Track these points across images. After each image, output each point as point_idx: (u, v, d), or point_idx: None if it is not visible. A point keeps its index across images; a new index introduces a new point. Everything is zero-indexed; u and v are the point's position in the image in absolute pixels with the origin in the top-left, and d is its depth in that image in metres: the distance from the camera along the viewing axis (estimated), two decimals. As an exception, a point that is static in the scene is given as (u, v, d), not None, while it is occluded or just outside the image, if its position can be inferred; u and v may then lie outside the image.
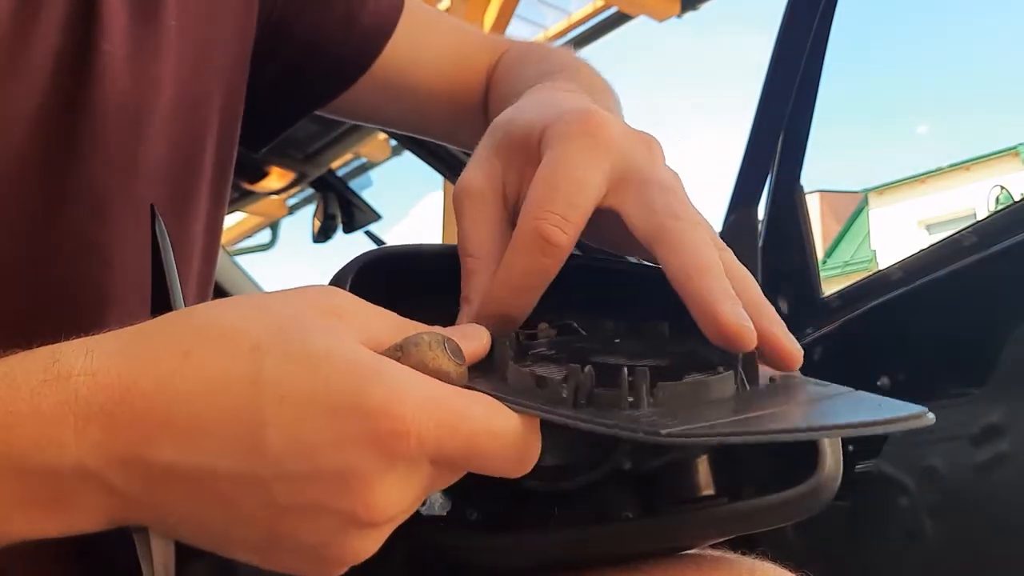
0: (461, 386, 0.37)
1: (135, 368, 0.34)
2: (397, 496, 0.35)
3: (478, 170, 0.46)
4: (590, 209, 0.42)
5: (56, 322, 0.52)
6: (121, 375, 0.34)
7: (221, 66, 0.60)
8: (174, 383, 0.34)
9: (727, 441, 0.35)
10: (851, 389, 0.39)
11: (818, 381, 0.40)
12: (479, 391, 0.37)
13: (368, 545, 0.36)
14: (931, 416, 0.35)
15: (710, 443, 0.36)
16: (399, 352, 0.37)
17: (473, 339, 0.40)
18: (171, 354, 0.34)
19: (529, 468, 0.37)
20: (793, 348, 0.41)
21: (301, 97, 0.69)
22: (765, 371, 0.41)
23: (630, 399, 0.36)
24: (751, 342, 0.39)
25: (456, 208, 0.46)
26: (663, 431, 0.34)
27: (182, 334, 0.35)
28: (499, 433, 0.36)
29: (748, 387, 0.39)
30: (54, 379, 0.34)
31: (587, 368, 0.37)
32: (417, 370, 0.36)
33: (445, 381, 0.36)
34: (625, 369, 0.36)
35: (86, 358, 0.34)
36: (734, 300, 0.40)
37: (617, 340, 0.46)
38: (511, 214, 0.45)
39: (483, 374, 0.40)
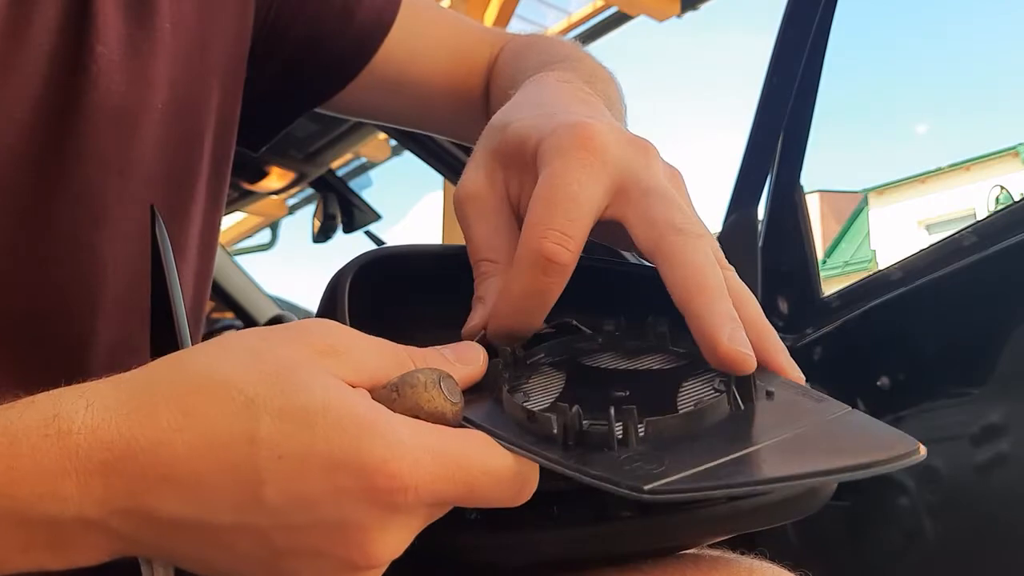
0: (456, 425, 0.38)
1: (135, 424, 0.34)
2: (395, 543, 0.36)
3: (478, 173, 0.46)
4: (590, 224, 0.42)
5: (50, 323, 0.52)
6: (121, 431, 0.34)
7: (217, 66, 0.60)
8: (173, 440, 0.34)
9: (713, 495, 0.35)
10: (847, 408, 0.38)
11: (816, 394, 0.40)
12: (475, 426, 0.38)
13: None
14: (923, 451, 0.35)
15: (695, 498, 0.36)
16: (395, 393, 0.37)
17: (469, 363, 0.41)
18: (170, 411, 0.35)
19: (527, 498, 0.38)
20: (794, 373, 0.41)
21: (300, 94, 0.69)
22: (762, 381, 0.40)
23: (619, 436, 0.36)
24: (750, 368, 0.39)
25: (459, 213, 0.46)
26: (646, 487, 0.34)
27: (180, 389, 0.35)
28: (495, 473, 0.37)
29: (743, 406, 0.39)
30: (55, 435, 0.34)
31: (575, 408, 0.37)
32: (412, 412, 0.37)
33: (440, 422, 0.37)
34: (612, 409, 0.37)
35: (86, 412, 0.35)
36: (734, 322, 0.39)
37: (616, 337, 0.46)
38: (516, 216, 0.45)
39: (478, 394, 0.41)
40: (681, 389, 0.40)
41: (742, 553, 0.51)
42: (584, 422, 0.37)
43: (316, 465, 0.34)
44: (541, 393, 0.41)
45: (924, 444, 0.35)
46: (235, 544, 0.35)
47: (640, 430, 0.36)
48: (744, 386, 0.39)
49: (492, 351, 0.43)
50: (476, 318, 0.44)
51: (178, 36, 0.57)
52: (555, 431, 0.37)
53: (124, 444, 0.34)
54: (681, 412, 0.38)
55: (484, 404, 0.40)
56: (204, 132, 0.59)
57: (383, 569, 0.37)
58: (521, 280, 0.41)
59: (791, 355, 0.50)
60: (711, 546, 0.51)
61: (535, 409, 0.39)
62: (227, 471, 0.34)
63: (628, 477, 0.34)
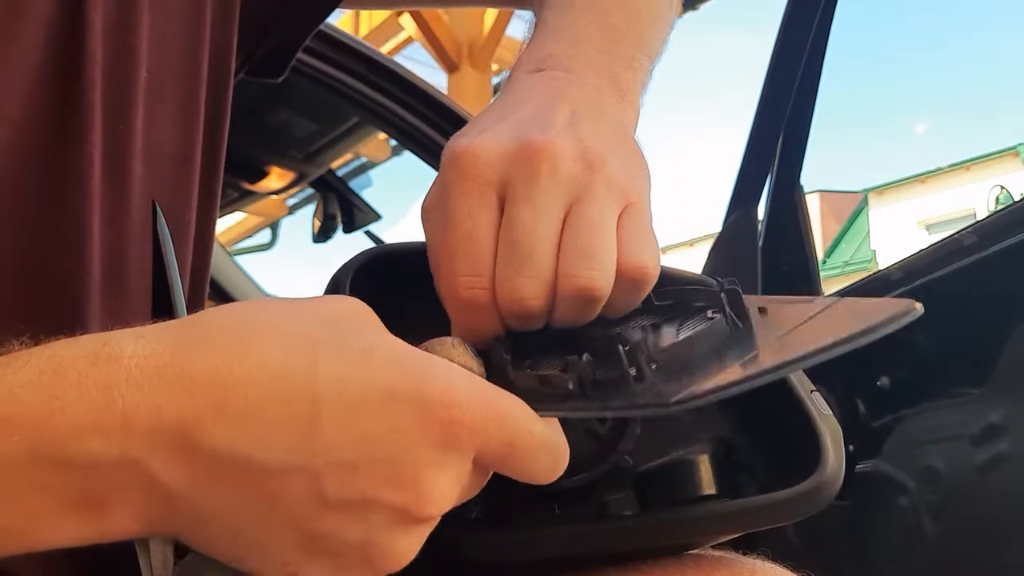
0: None
1: (191, 351, 0.34)
2: (447, 490, 0.35)
3: (436, 190, 0.45)
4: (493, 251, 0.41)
5: (49, 305, 0.51)
6: (176, 358, 0.33)
7: (207, 25, 0.59)
8: (232, 367, 0.33)
9: (733, 391, 0.35)
10: (835, 299, 0.39)
11: (805, 298, 0.41)
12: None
13: (412, 545, 0.36)
14: (919, 307, 0.35)
15: (719, 398, 0.37)
16: (426, 351, 0.38)
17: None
18: (228, 341, 0.34)
19: (558, 474, 0.38)
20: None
21: (308, 6, 0.68)
22: (753, 301, 0.41)
23: (633, 373, 0.37)
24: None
25: (423, 228, 0.46)
26: (671, 399, 0.35)
27: (238, 326, 0.35)
28: (536, 434, 0.37)
29: (741, 324, 0.40)
30: (104, 361, 0.33)
31: (584, 357, 0.37)
32: None
33: None
34: (620, 347, 0.37)
35: (136, 342, 0.34)
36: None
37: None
38: None
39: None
40: (680, 330, 0.41)
41: (744, 554, 0.51)
42: (597, 372, 0.38)
43: (375, 397, 0.34)
44: (545, 365, 0.41)
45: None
46: (279, 494, 0.33)
47: (652, 365, 0.37)
48: (737, 305, 0.40)
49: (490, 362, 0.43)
50: None
51: (156, 4, 0.55)
52: (571, 386, 0.38)
53: (178, 369, 0.33)
54: (684, 338, 0.39)
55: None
56: (197, 96, 0.58)
57: (432, 524, 0.36)
58: (459, 322, 0.42)
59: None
60: (712, 546, 0.51)
61: (546, 372, 0.39)
62: (284, 402, 0.33)
63: (649, 399, 0.36)
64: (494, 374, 0.40)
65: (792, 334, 0.38)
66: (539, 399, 0.38)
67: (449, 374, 0.36)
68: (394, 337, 0.37)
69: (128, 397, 0.32)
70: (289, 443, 0.33)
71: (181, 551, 0.37)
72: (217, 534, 0.35)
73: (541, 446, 0.37)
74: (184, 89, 0.58)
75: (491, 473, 0.38)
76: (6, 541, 0.33)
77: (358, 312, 0.37)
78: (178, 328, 0.35)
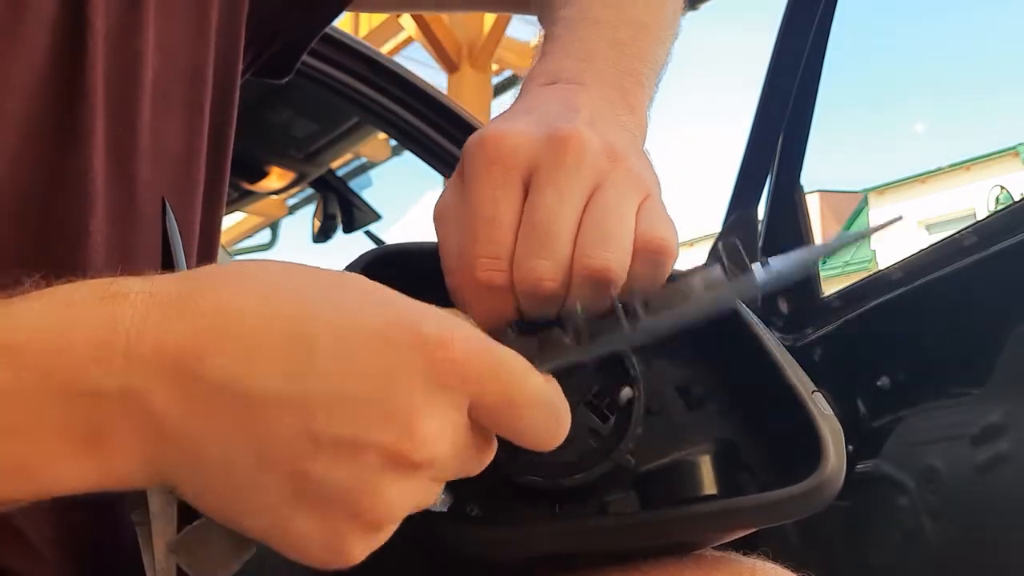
0: None
1: (194, 287, 0.35)
2: (437, 433, 0.35)
3: (450, 192, 0.46)
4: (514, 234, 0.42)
5: None
6: (180, 292, 0.35)
7: (212, 29, 0.59)
8: (232, 306, 0.34)
9: (708, 309, 0.38)
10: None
11: (812, 247, 0.43)
12: None
13: (402, 497, 0.35)
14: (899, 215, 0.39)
15: (696, 316, 0.39)
16: None
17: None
18: (231, 283, 0.35)
19: (560, 440, 0.38)
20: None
21: (315, 8, 0.68)
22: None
23: (626, 319, 0.38)
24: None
25: (436, 230, 0.46)
26: (647, 321, 0.37)
27: (240, 270, 0.37)
28: (533, 388, 0.36)
29: (742, 274, 0.41)
30: (111, 297, 0.34)
31: (578, 307, 0.39)
32: None
33: None
34: (614, 300, 0.38)
35: (143, 282, 0.35)
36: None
37: None
38: None
39: None
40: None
41: (744, 553, 0.51)
42: (592, 321, 0.39)
43: (371, 335, 0.34)
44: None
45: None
46: (273, 428, 0.34)
47: (645, 306, 0.38)
48: (735, 256, 0.41)
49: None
50: None
51: (164, 9, 0.56)
52: (567, 340, 0.38)
53: (181, 304, 0.34)
54: (679, 281, 0.40)
55: None
56: (202, 99, 0.59)
57: (425, 476, 0.35)
58: (475, 306, 0.42)
59: (792, 355, 0.51)
60: (713, 546, 0.51)
61: (543, 335, 0.39)
62: (280, 330, 0.34)
63: (641, 335, 0.38)
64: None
65: (787, 259, 0.41)
66: (542, 358, 0.38)
67: (448, 320, 0.36)
68: (402, 295, 0.37)
69: (132, 329, 0.33)
70: (283, 374, 0.34)
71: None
72: (209, 478, 0.35)
73: (539, 402, 0.37)
74: (189, 91, 0.58)
75: (492, 442, 0.38)
76: (12, 481, 0.34)
77: (365, 279, 0.38)
78: (184, 274, 0.37)
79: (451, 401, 0.35)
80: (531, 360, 0.37)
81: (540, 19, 0.58)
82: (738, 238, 0.42)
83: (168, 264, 0.45)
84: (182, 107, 0.57)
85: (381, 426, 0.34)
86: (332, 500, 0.34)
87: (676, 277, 0.45)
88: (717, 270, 0.40)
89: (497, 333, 0.40)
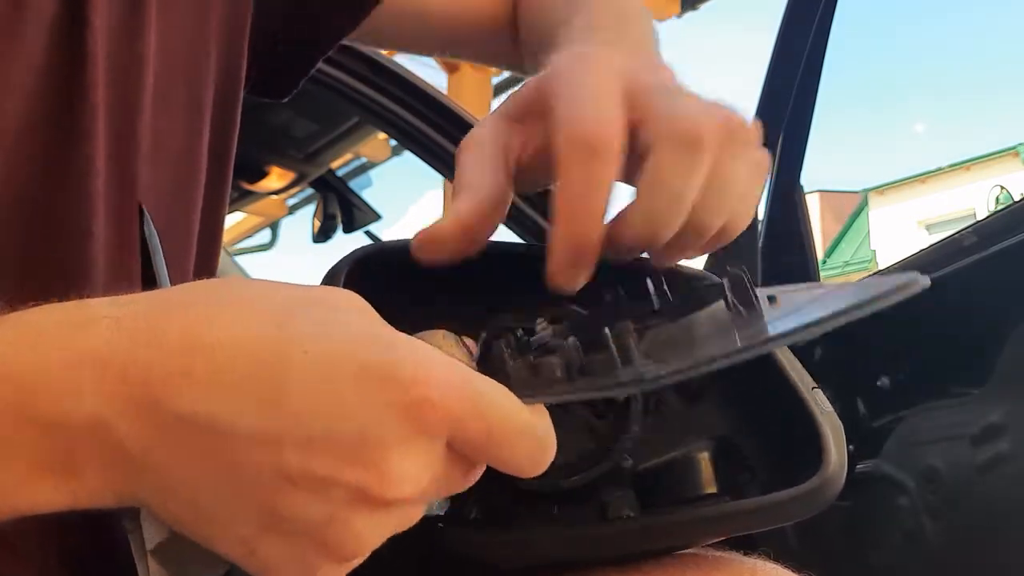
0: None
1: (163, 317, 0.34)
2: (413, 474, 0.34)
3: (481, 128, 0.46)
4: (620, 114, 0.42)
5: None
6: (148, 321, 0.34)
7: (215, 32, 0.59)
8: (200, 333, 0.33)
9: (713, 366, 0.35)
10: (849, 283, 0.39)
11: (816, 284, 0.40)
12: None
13: (373, 532, 0.35)
14: (925, 279, 0.35)
15: (692, 375, 0.36)
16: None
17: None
18: (200, 308, 0.34)
19: (545, 466, 0.37)
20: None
21: (320, 31, 0.68)
22: (764, 291, 0.40)
23: (620, 357, 0.36)
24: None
25: (457, 160, 0.46)
26: (647, 376, 0.35)
27: (210, 291, 0.36)
28: (515, 418, 0.35)
29: (746, 311, 0.39)
30: (80, 325, 0.33)
31: (570, 340, 0.37)
32: None
33: None
34: (607, 330, 0.36)
35: (111, 306, 0.34)
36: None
37: (620, 299, 0.45)
38: (510, 167, 0.46)
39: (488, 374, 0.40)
40: (680, 320, 0.40)
41: (745, 554, 0.51)
42: (585, 356, 0.37)
43: (345, 367, 0.33)
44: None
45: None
46: (243, 463, 0.33)
47: (639, 348, 0.36)
48: (741, 292, 0.39)
49: (490, 353, 0.43)
50: (450, 218, 0.44)
51: (167, 8, 0.56)
52: (559, 373, 0.37)
53: (149, 333, 0.33)
54: (679, 322, 0.39)
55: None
56: (204, 101, 0.59)
57: (390, 522, 0.35)
58: (574, 173, 0.41)
59: (792, 353, 0.50)
60: (713, 546, 0.51)
61: (536, 360, 0.38)
62: (251, 365, 0.33)
63: (630, 378, 0.35)
64: (490, 362, 0.40)
65: (795, 310, 0.38)
66: (530, 387, 0.37)
67: (427, 356, 0.34)
68: (383, 321, 0.36)
69: (98, 359, 0.33)
70: (253, 408, 0.33)
71: None
72: (178, 506, 0.34)
73: (522, 432, 0.35)
74: (190, 92, 0.58)
75: (478, 466, 0.37)
76: None
77: (346, 298, 0.37)
78: (153, 296, 0.36)
79: (428, 442, 0.34)
80: (524, 384, 0.36)
81: (536, 53, 0.57)
82: (745, 273, 0.39)
83: (148, 273, 0.45)
84: (183, 108, 0.57)
85: (354, 466, 0.33)
86: (301, 533, 0.34)
87: (679, 275, 0.45)
88: (721, 310, 0.39)
89: (492, 347, 0.39)
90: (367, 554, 0.35)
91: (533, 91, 0.46)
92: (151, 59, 0.54)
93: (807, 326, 0.35)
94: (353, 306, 0.36)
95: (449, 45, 0.75)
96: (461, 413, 0.34)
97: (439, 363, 0.34)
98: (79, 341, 0.33)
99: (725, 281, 0.39)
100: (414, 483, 0.34)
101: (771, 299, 0.39)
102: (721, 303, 0.39)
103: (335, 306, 0.36)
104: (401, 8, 0.68)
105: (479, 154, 0.46)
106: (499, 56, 0.72)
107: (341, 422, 0.33)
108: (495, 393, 0.35)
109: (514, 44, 0.67)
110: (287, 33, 0.67)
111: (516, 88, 0.49)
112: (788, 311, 0.38)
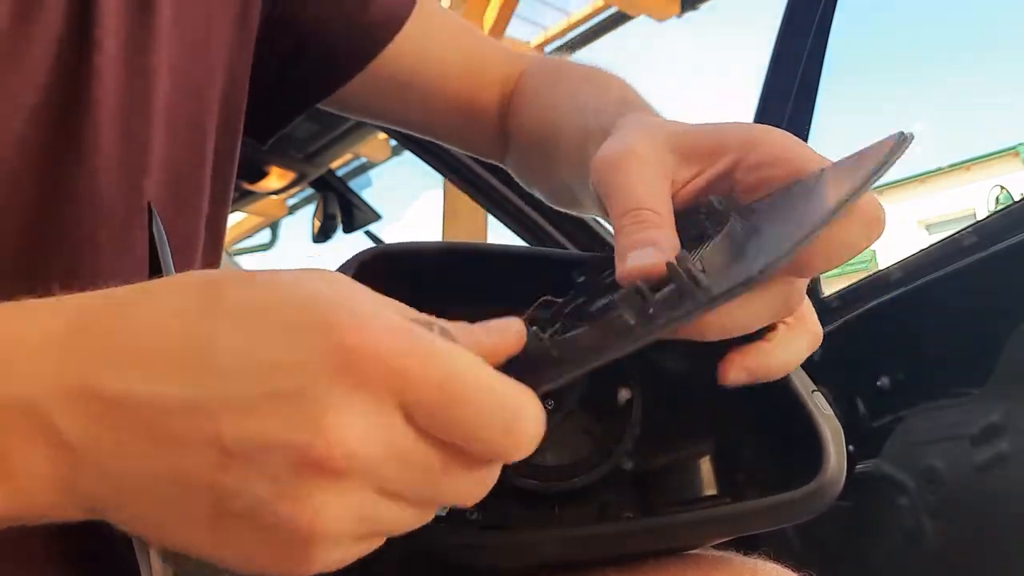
0: None
1: (98, 303, 0.33)
2: (357, 433, 0.30)
3: (641, 143, 0.46)
4: None
5: None
6: (83, 307, 0.33)
7: (220, 56, 0.60)
8: (130, 313, 0.32)
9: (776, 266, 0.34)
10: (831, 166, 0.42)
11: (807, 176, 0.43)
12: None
13: (333, 507, 0.31)
14: (911, 133, 0.38)
15: (762, 279, 0.34)
16: None
17: (501, 330, 0.35)
18: (134, 291, 0.34)
19: (529, 443, 0.32)
20: None
21: (304, 88, 0.69)
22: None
23: (691, 283, 0.35)
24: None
25: (615, 166, 0.45)
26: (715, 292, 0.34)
27: (173, 278, 0.34)
28: (477, 378, 0.31)
29: (746, 223, 0.41)
30: (24, 315, 0.33)
31: (640, 283, 0.35)
32: None
33: None
34: (674, 263, 0.35)
35: (53, 300, 0.34)
36: None
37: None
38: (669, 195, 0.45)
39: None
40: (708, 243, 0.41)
41: (745, 554, 0.51)
42: (651, 292, 0.35)
43: (274, 323, 0.31)
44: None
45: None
46: (182, 439, 0.30)
47: (701, 270, 0.35)
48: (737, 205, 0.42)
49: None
50: (643, 259, 0.41)
51: (179, 24, 0.56)
52: (632, 320, 0.34)
53: (83, 319, 0.33)
54: (718, 239, 0.39)
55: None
56: (209, 121, 0.59)
57: (355, 483, 0.31)
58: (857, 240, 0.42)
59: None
60: (713, 546, 0.51)
61: (599, 317, 0.36)
62: (178, 334, 0.31)
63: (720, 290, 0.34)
64: (530, 370, 0.36)
65: (800, 212, 0.39)
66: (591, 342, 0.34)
67: (366, 307, 0.31)
68: (363, 288, 0.33)
69: (34, 342, 0.32)
70: (184, 376, 0.31)
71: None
72: (129, 500, 0.32)
73: (480, 388, 0.31)
74: (196, 109, 0.58)
75: (473, 466, 0.32)
76: None
77: (329, 272, 0.34)
78: (99, 290, 0.35)
79: (373, 398, 0.30)
80: (537, 367, 0.34)
81: (583, 140, 0.56)
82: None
83: (156, 272, 0.45)
84: (189, 126, 0.58)
85: (289, 426, 0.30)
86: (256, 514, 0.31)
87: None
88: (736, 228, 0.41)
89: (531, 342, 0.36)
90: (342, 535, 0.31)
91: (706, 136, 0.48)
92: (159, 75, 0.54)
93: (835, 207, 0.36)
94: (325, 275, 0.33)
95: (427, 124, 0.75)
96: (405, 364, 0.30)
97: (384, 311, 0.31)
98: (18, 327, 0.33)
99: (715, 203, 0.42)
100: (364, 446, 0.30)
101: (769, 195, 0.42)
102: (732, 223, 0.40)
103: (282, 274, 0.33)
104: (389, 76, 0.69)
105: (647, 172, 0.45)
106: (477, 143, 0.73)
107: (275, 381, 0.30)
108: (449, 347, 0.31)
109: (499, 134, 0.69)
110: (280, 81, 0.68)
111: (677, 127, 0.49)
112: (786, 214, 0.40)
